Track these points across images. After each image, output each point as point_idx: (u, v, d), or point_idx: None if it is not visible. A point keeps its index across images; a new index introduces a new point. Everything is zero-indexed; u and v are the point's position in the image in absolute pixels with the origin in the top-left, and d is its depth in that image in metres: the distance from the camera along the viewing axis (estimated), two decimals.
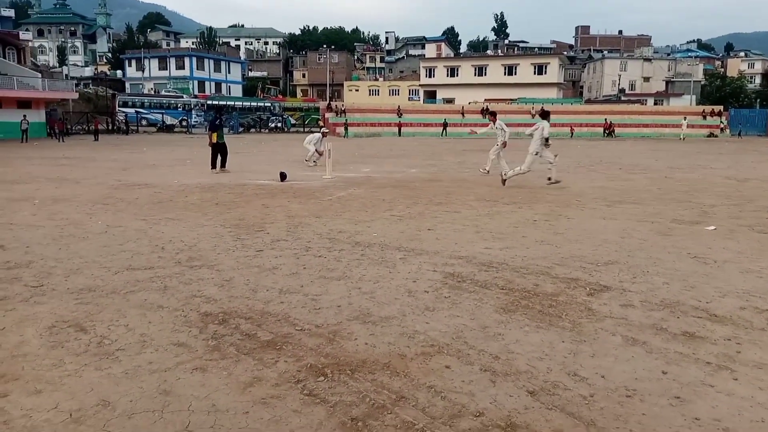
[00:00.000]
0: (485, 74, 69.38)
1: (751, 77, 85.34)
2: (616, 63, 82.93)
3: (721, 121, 53.14)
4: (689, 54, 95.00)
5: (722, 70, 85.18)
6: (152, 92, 68.50)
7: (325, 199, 10.59)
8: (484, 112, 55.28)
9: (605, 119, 51.67)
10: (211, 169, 15.48)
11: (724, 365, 3.56)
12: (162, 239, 7.05)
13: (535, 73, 67.84)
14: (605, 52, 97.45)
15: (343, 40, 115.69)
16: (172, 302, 4.67)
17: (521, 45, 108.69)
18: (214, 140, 15.38)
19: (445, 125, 50.86)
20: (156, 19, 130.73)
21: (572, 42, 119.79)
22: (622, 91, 78.14)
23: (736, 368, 3.52)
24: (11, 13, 78.39)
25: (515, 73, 68.18)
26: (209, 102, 59.93)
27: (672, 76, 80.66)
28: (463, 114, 54.63)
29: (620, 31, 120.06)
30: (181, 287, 5.08)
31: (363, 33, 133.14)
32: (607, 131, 50.52)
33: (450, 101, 66.20)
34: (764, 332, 4.10)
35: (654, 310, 4.56)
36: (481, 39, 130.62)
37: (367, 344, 3.85)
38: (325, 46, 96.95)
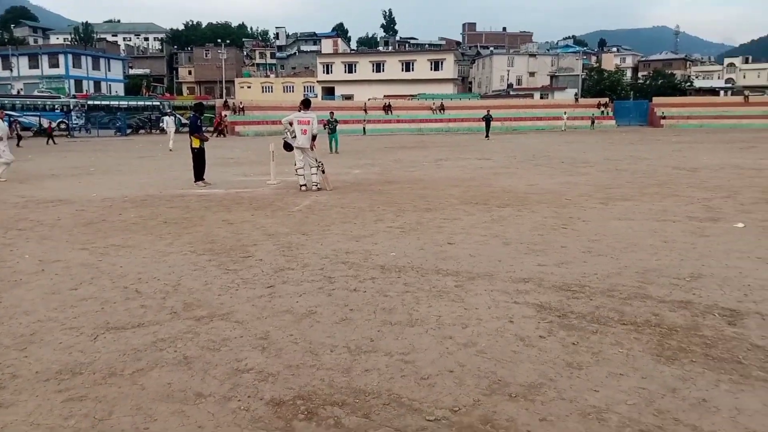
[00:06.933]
0: (383, 70, 69.00)
1: (623, 71, 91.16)
2: (504, 59, 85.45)
3: (606, 112, 56.16)
4: (568, 50, 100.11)
5: (597, 64, 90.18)
6: (21, 93, 61.87)
7: (293, 209, 9.11)
8: (386, 108, 55.05)
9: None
10: (195, 182, 12.60)
11: None
12: (127, 277, 5.40)
13: (431, 69, 68.32)
14: (492, 49, 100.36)
15: (230, 36, 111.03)
16: (212, 386, 3.20)
17: (412, 42, 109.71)
18: (197, 145, 12.61)
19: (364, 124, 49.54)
20: (20, 14, 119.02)
21: (459, 39, 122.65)
22: (510, 86, 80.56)
23: None
24: None
25: (413, 69, 68.33)
26: (89, 102, 55.02)
27: (555, 70, 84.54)
28: (365, 110, 53.74)
29: (504, 28, 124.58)
30: (208, 356, 3.60)
31: (250, 28, 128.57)
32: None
33: (349, 98, 65.12)
34: None
35: None
36: (370, 36, 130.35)
37: None
38: (214, 43, 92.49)
